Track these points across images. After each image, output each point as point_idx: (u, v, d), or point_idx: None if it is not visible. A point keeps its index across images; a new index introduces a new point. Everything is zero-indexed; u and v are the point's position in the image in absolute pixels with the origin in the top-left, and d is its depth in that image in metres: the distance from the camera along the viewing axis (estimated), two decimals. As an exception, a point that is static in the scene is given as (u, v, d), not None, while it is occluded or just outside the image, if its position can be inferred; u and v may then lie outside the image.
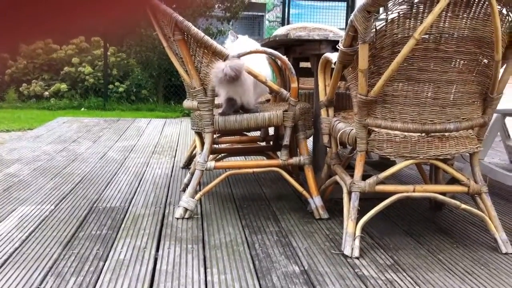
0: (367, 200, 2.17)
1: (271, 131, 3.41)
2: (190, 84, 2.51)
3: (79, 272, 1.79)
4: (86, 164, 3.64)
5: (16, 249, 1.99)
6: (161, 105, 8.20)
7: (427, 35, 1.94)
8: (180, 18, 2.35)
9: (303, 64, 3.55)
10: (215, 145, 2.97)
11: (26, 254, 1.94)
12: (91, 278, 1.74)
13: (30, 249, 2.00)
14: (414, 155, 2.05)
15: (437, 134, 2.05)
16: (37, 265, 1.84)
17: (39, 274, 1.76)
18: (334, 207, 2.57)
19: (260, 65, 2.56)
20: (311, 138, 2.97)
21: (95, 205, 2.62)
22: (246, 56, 2.42)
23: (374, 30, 1.93)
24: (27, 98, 8.27)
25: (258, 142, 3.37)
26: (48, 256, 1.93)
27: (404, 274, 1.84)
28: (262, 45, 3.14)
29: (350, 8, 10.39)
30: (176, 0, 7.76)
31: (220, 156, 3.15)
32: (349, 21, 1.95)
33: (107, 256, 1.94)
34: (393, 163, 3.12)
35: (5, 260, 1.88)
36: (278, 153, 3.06)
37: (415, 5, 1.91)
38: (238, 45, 2.62)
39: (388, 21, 1.93)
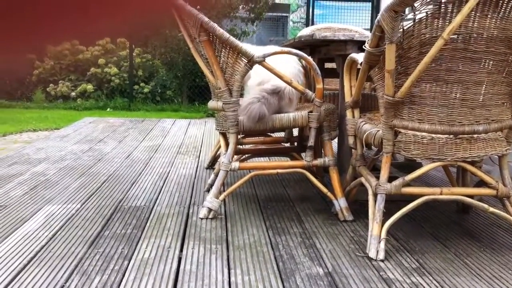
0: (393, 202, 2.15)
1: (295, 132, 3.40)
2: (215, 85, 2.51)
3: (104, 270, 1.80)
4: (111, 163, 3.68)
5: (42, 247, 2.02)
6: (185, 106, 8.24)
7: (456, 35, 1.91)
8: (206, 19, 2.35)
9: (328, 65, 3.53)
10: (239, 146, 2.97)
11: (52, 252, 1.97)
12: (116, 277, 1.75)
13: (56, 247, 2.02)
14: (442, 157, 2.01)
15: (466, 136, 2.01)
16: (62, 263, 1.86)
17: (64, 272, 1.78)
18: (359, 209, 2.55)
19: (286, 65, 2.55)
20: (335, 139, 2.95)
21: (120, 204, 2.64)
22: (272, 57, 2.41)
23: (401, 30, 1.91)
24: (54, 98, 8.39)
25: (282, 143, 3.37)
26: (73, 254, 1.95)
27: (430, 278, 1.81)
28: (287, 46, 3.13)
29: (374, 8, 10.31)
30: (199, 1, 7.81)
31: (244, 156, 3.14)
32: (375, 21, 1.93)
33: (132, 255, 1.95)
34: (419, 165, 3.09)
35: (31, 258, 1.90)
36: (302, 154, 3.05)
37: (443, 5, 1.88)
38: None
39: (416, 21, 1.90)
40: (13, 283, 1.69)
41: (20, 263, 1.85)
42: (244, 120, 2.43)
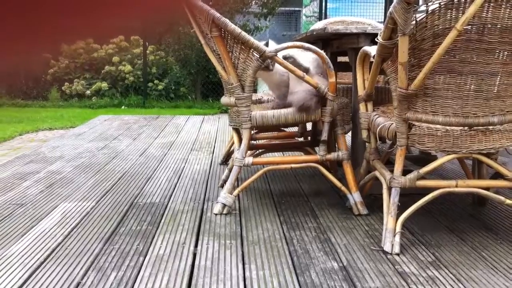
0: (407, 196, 2.13)
1: (308, 126, 3.39)
2: (228, 81, 2.51)
3: (120, 267, 1.81)
4: (126, 161, 3.70)
5: (59, 244, 2.03)
6: (199, 102, 8.26)
7: (470, 26, 1.88)
8: (217, 14, 2.35)
9: (341, 59, 3.51)
10: (252, 141, 2.97)
11: (68, 249, 1.98)
12: (132, 273, 1.76)
13: (72, 244, 2.04)
14: (457, 150, 1.99)
15: (480, 127, 1.99)
16: (78, 260, 1.88)
17: (80, 269, 1.80)
18: (373, 203, 2.54)
19: (303, 60, 2.54)
20: (349, 133, 2.94)
21: (135, 201, 2.65)
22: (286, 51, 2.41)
23: (414, 22, 1.89)
24: (69, 97, 8.46)
25: (295, 138, 3.36)
26: (89, 251, 1.96)
27: (446, 271, 1.80)
28: (300, 40, 3.12)
29: (388, 1, 10.23)
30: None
31: (257, 152, 3.14)
32: (388, 13, 1.91)
33: (147, 251, 1.96)
34: (434, 158, 3.07)
35: (48, 255, 1.92)
36: (316, 148, 3.04)
37: (456, -4, 1.86)
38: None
39: (429, 12, 1.88)
40: (30, 280, 1.70)
41: (37, 260, 1.87)
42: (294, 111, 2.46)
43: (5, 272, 1.76)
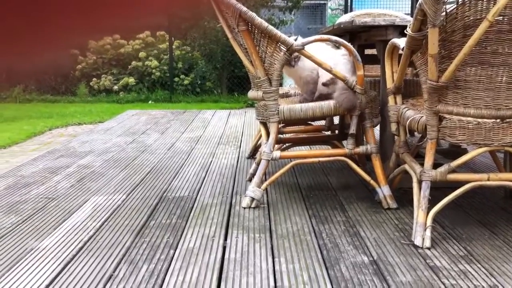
0: (437, 189, 2.11)
1: (335, 120, 3.37)
2: (255, 75, 2.51)
3: (151, 259, 1.84)
4: (154, 155, 3.74)
5: (91, 237, 2.07)
6: (225, 97, 8.29)
7: (501, 17, 1.85)
8: (244, 8, 2.35)
9: (368, 51, 3.48)
10: (279, 135, 2.96)
11: (99, 242, 2.02)
12: (163, 266, 1.78)
13: (104, 237, 2.07)
14: (488, 142, 1.96)
15: (513, 120, 1.96)
16: (110, 252, 1.91)
17: (112, 262, 1.82)
18: (402, 196, 2.52)
19: (326, 53, 2.53)
20: (377, 127, 2.91)
21: (164, 194, 2.68)
22: (312, 44, 2.40)
23: (444, 13, 1.86)
24: (97, 92, 8.56)
25: (323, 132, 3.35)
26: (121, 244, 1.99)
27: (479, 265, 1.78)
28: (327, 33, 3.10)
29: (415, -8, 10.09)
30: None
31: (285, 146, 3.14)
32: (417, 5, 1.89)
33: (177, 244, 1.98)
34: (464, 151, 3.03)
35: (80, 248, 1.95)
36: (343, 142, 3.02)
37: (488, -14, 1.83)
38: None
39: (459, 3, 1.85)
40: (63, 272, 1.74)
41: (69, 253, 1.90)
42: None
43: (39, 265, 1.80)
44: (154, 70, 8.50)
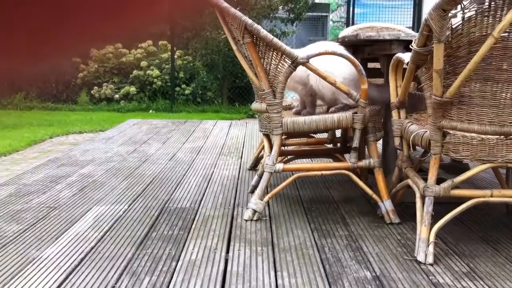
0: (439, 205, 2.10)
1: (338, 133, 3.38)
2: (259, 87, 2.51)
3: (153, 271, 1.83)
4: (156, 165, 3.73)
5: (92, 248, 2.06)
6: (225, 107, 8.30)
7: (507, 33, 1.86)
8: (250, 21, 2.36)
9: (370, 65, 3.49)
10: (282, 147, 2.96)
11: (101, 253, 2.01)
12: (165, 278, 1.77)
13: (106, 248, 2.06)
14: (492, 159, 1.96)
15: (517, 136, 1.96)
16: (112, 264, 1.90)
17: (114, 273, 1.82)
18: (404, 211, 2.51)
19: (334, 66, 2.53)
20: (380, 141, 2.91)
21: (166, 205, 2.67)
22: (318, 57, 2.41)
23: (449, 29, 1.87)
24: (98, 100, 8.57)
25: (325, 144, 3.35)
26: (122, 255, 1.98)
27: (482, 282, 1.77)
28: (330, 46, 3.11)
29: (417, 6, 10.14)
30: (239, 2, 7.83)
31: (287, 158, 3.14)
32: (423, 20, 1.90)
33: (179, 256, 1.97)
34: (465, 166, 3.03)
35: (82, 259, 1.94)
36: (346, 155, 3.02)
37: (493, 3, 1.84)
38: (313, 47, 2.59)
39: (465, 19, 1.86)
40: (65, 283, 1.73)
41: (71, 263, 1.90)
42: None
43: (41, 275, 1.79)
44: (155, 80, 8.51)
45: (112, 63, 8.87)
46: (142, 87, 8.61)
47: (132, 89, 8.50)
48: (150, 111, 8.05)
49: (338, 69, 2.54)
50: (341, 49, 2.50)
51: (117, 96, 8.51)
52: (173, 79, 8.40)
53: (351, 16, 10.01)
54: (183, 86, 8.49)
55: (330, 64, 2.50)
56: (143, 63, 8.68)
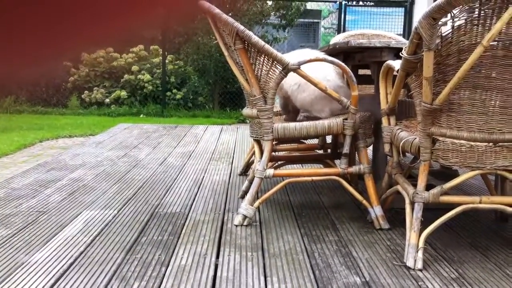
0: (429, 211, 2.12)
1: (328, 139, 3.39)
2: (250, 92, 2.52)
3: (142, 277, 1.82)
4: (146, 169, 3.72)
5: (81, 253, 2.05)
6: (217, 112, 8.30)
7: (496, 42, 1.88)
8: (241, 27, 2.37)
9: (361, 71, 3.51)
10: (273, 153, 2.97)
11: (91, 258, 2.00)
12: (154, 283, 1.77)
13: (95, 253, 2.05)
14: (481, 166, 1.98)
15: (506, 143, 1.98)
16: (102, 268, 1.89)
17: (104, 278, 1.81)
18: (394, 217, 2.52)
19: (323, 73, 2.55)
20: (370, 147, 2.93)
21: (156, 210, 2.67)
22: (307, 64, 2.42)
23: (439, 37, 1.89)
24: (89, 104, 8.54)
25: (315, 150, 3.36)
26: (112, 260, 1.98)
27: (470, 288, 1.78)
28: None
29: (408, 13, 10.21)
30: (231, 7, 7.85)
31: (277, 163, 3.15)
32: (413, 28, 1.92)
33: (169, 261, 1.97)
34: (455, 173, 3.05)
35: (71, 264, 1.93)
36: (336, 161, 3.04)
37: (482, 12, 1.86)
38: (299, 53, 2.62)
39: (455, 28, 1.88)
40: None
41: (61, 268, 1.89)
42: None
43: (30, 280, 1.78)
44: (146, 84, 8.50)
45: (103, 67, 8.86)
46: (133, 92, 8.60)
47: (123, 93, 8.49)
48: (141, 115, 8.04)
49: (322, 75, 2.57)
50: (328, 57, 2.52)
51: (107, 100, 8.49)
52: (164, 84, 8.40)
53: (342, 23, 10.06)
54: (174, 90, 8.48)
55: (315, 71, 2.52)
56: (134, 68, 8.67)
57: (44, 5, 0.43)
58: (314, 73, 2.47)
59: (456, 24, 1.89)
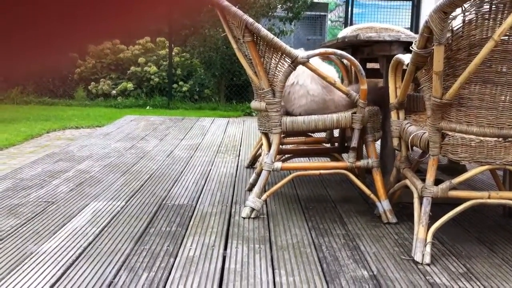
0: (437, 205, 2.12)
1: (336, 132, 3.38)
2: (259, 85, 2.52)
3: (151, 267, 1.83)
4: (154, 161, 3.73)
5: (90, 243, 2.06)
6: (223, 105, 8.30)
7: (507, 37, 1.87)
8: (250, 20, 2.37)
9: (369, 65, 3.50)
10: (280, 146, 2.97)
11: (99, 248, 2.01)
12: (163, 274, 1.78)
13: (104, 243, 2.06)
14: (491, 161, 1.98)
15: (516, 139, 1.97)
16: (110, 259, 1.90)
17: (112, 268, 1.82)
18: (401, 211, 2.52)
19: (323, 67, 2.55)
20: (378, 141, 2.92)
21: (164, 202, 2.67)
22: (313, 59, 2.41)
23: (450, 31, 1.88)
24: (95, 96, 8.56)
25: (323, 144, 3.36)
26: (120, 251, 1.99)
27: (478, 283, 1.78)
28: (330, 46, 3.12)
29: (415, 7, 10.17)
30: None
31: (285, 156, 3.15)
32: (424, 22, 1.91)
33: (177, 252, 1.98)
34: (463, 168, 3.04)
35: (80, 254, 1.94)
36: (343, 155, 3.04)
37: (494, 6, 1.85)
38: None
39: (466, 22, 1.87)
40: (62, 278, 1.73)
41: (69, 258, 1.90)
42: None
43: (38, 270, 1.79)
44: (152, 76, 8.51)
45: (109, 59, 8.86)
46: (139, 84, 8.60)
47: (130, 85, 8.49)
48: (147, 107, 8.05)
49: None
50: (337, 51, 2.51)
51: (114, 92, 8.50)
52: (171, 76, 8.40)
53: (349, 16, 10.03)
54: (181, 83, 8.48)
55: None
56: (141, 60, 8.67)
57: (43, 5, 0.44)
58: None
59: (467, 18, 1.87)
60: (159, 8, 0.49)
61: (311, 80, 2.52)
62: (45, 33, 0.45)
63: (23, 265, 1.82)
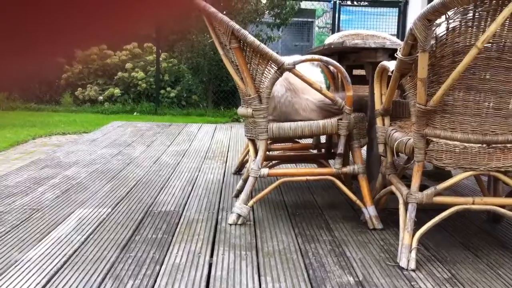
0: (422, 211, 2.13)
1: (322, 139, 3.40)
2: (245, 92, 2.52)
3: (136, 275, 1.83)
4: (140, 168, 3.72)
5: (75, 251, 2.05)
6: (210, 110, 8.30)
7: (490, 44, 1.89)
8: (237, 26, 2.37)
9: (356, 72, 3.52)
10: (267, 152, 2.97)
11: (84, 256, 2.00)
12: (148, 282, 1.77)
13: (89, 251, 2.05)
14: (474, 167, 1.99)
15: (499, 145, 1.99)
16: (95, 267, 1.89)
17: (98, 276, 1.81)
18: (387, 217, 2.54)
19: (313, 73, 2.56)
20: (364, 147, 2.94)
21: (150, 209, 2.67)
22: (300, 65, 2.42)
23: (434, 38, 1.90)
24: (82, 102, 8.52)
25: (309, 150, 3.37)
26: (106, 258, 1.97)
27: (463, 288, 1.80)
28: (316, 53, 3.13)
29: (402, 14, 10.25)
30: (226, 5, 7.84)
31: (272, 163, 3.15)
32: (408, 29, 1.93)
33: (163, 260, 1.97)
34: (448, 173, 3.06)
35: (65, 262, 1.93)
36: (330, 161, 3.05)
37: (477, 14, 1.87)
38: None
39: (449, 29, 1.89)
40: (48, 286, 1.72)
41: (54, 266, 1.88)
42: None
43: (23, 278, 1.78)
44: (140, 82, 8.49)
45: (96, 65, 8.83)
46: (126, 89, 8.58)
47: (117, 91, 8.46)
48: (135, 113, 8.02)
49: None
50: (323, 57, 2.53)
51: (101, 97, 8.46)
52: (158, 82, 8.38)
53: (336, 23, 10.09)
54: (168, 89, 8.47)
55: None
56: (128, 65, 8.65)
57: (30, 10, 0.44)
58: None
59: (451, 25, 1.90)
60: (147, 14, 0.49)
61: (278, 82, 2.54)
62: (32, 38, 0.45)
63: (8, 273, 1.81)
